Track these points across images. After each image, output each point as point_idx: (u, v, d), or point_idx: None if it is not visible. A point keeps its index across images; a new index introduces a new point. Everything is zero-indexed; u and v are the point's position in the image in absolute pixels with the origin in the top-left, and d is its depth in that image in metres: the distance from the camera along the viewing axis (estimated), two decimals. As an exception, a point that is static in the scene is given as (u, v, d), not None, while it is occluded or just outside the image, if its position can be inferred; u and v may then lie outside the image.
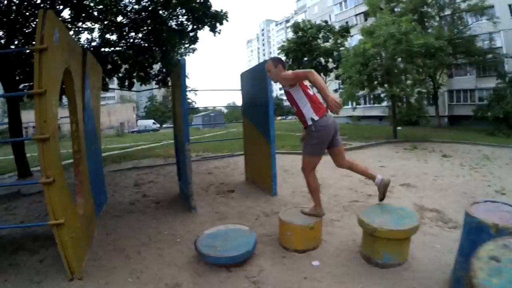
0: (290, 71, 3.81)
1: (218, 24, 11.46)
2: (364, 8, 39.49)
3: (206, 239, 3.74)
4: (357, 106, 19.25)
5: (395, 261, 3.34)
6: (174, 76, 6.50)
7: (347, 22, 34.93)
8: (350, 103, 19.21)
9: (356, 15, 41.76)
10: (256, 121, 6.72)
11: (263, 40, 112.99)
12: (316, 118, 3.71)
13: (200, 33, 12.47)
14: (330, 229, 4.41)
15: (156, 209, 5.86)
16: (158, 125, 59.03)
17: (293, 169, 8.27)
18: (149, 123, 57.31)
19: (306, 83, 3.86)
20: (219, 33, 11.62)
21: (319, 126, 3.72)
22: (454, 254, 3.00)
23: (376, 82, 17.09)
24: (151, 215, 5.50)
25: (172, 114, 7.28)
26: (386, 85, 16.51)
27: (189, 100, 77.04)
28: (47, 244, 4.24)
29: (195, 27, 11.75)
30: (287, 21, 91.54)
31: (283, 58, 27.96)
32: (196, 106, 44.41)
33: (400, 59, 16.17)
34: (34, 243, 4.38)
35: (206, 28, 11.74)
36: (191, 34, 12.10)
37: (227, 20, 11.48)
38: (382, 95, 18.07)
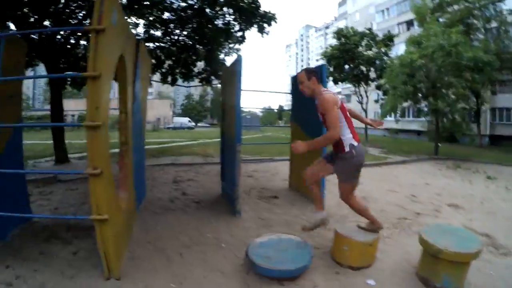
0: (327, 96, 3.42)
1: (266, 25, 11.19)
2: (407, 17, 38.53)
3: (258, 248, 3.49)
4: (400, 118, 18.57)
5: (454, 285, 3.11)
6: (226, 72, 6.25)
7: (389, 31, 33.95)
8: (391, 114, 18.57)
9: (399, 24, 40.75)
10: (307, 127, 6.39)
11: (302, 45, 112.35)
12: (355, 143, 3.49)
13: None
14: (382, 247, 4.06)
15: (197, 209, 5.65)
16: (194, 124, 59.54)
17: (336, 179, 7.86)
18: (185, 120, 57.88)
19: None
20: (267, 34, 11.35)
21: (358, 152, 3.51)
22: (507, 282, 3.11)
23: (420, 95, 16.42)
24: (191, 214, 5.29)
25: (218, 112, 7.07)
26: (430, 99, 15.81)
27: (226, 101, 77.67)
28: (81, 235, 4.08)
29: (242, 27, 11.53)
30: (327, 27, 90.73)
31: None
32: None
33: (447, 72, 15.43)
34: (67, 232, 4.20)
35: (253, 28, 11.53)
36: (238, 34, 11.88)
37: (275, 22, 11.20)
38: (425, 109, 17.37)
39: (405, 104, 17.78)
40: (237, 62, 4.95)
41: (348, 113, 3.61)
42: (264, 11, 11.00)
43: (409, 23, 38.52)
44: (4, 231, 3.89)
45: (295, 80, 7.04)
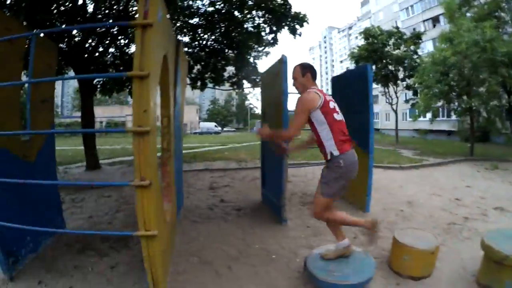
0: (303, 98, 3.18)
1: (298, 26, 10.88)
2: (432, 13, 37.56)
3: (318, 260, 3.26)
4: (436, 118, 17.88)
5: (517, 293, 2.92)
6: (267, 75, 5.94)
7: (414, 29, 33.09)
8: (425, 115, 17.91)
9: (424, 21, 39.79)
10: (350, 129, 6.05)
11: (325, 47, 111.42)
12: (336, 153, 3.08)
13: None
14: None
15: (238, 216, 5.42)
16: (220, 128, 59.99)
17: (376, 183, 7.41)
18: (211, 125, 58.58)
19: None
20: (299, 35, 11.01)
21: (348, 162, 3.09)
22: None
23: (454, 93, 15.77)
24: (233, 223, 5.06)
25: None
26: (465, 97, 15.17)
27: (251, 106, 77.98)
28: (119, 246, 3.91)
29: (274, 28, 11.24)
30: (350, 28, 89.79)
31: (353, 66, 27.01)
32: (257, 111, 44.67)
33: (482, 68, 14.73)
34: (103, 243, 4.02)
35: (283, 30, 11.25)
36: (270, 36, 11.61)
37: (307, 22, 10.87)
38: (459, 108, 16.67)
39: (438, 104, 17.11)
40: (282, 63, 4.67)
41: (337, 114, 3.24)
42: (295, 12, 10.70)
43: (435, 20, 37.58)
44: (36, 242, 3.73)
45: (334, 82, 6.78)
